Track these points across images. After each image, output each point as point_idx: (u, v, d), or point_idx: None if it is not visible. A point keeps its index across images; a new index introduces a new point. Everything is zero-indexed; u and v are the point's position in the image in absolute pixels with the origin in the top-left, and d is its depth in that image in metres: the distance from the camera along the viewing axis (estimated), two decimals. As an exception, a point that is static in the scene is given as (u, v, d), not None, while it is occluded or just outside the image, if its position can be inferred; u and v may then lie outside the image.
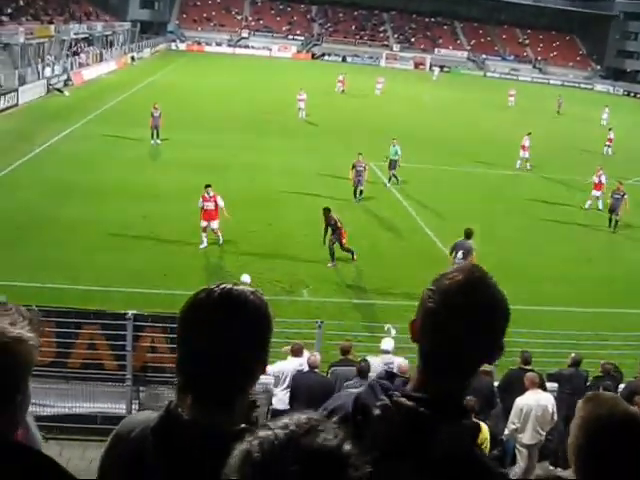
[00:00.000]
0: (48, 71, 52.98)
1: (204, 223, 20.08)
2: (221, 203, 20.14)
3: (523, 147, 35.33)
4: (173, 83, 57.01)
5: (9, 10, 59.98)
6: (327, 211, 19.88)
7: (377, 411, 1.86)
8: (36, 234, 20.01)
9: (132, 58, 76.66)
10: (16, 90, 43.54)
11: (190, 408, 1.90)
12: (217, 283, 1.98)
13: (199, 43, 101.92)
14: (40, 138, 32.78)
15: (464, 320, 1.86)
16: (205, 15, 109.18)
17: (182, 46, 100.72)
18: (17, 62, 52.25)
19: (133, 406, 11.73)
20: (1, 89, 42.41)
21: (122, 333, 11.42)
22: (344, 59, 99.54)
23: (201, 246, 20.14)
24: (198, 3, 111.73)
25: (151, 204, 23.31)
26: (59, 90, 49.82)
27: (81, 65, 61.50)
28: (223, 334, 1.87)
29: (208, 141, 34.20)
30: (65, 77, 53.72)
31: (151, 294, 16.60)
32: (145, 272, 18.05)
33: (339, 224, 19.58)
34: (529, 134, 35.30)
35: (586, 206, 28.40)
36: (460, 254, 17.91)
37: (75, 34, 68.96)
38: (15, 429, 1.58)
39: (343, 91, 60.74)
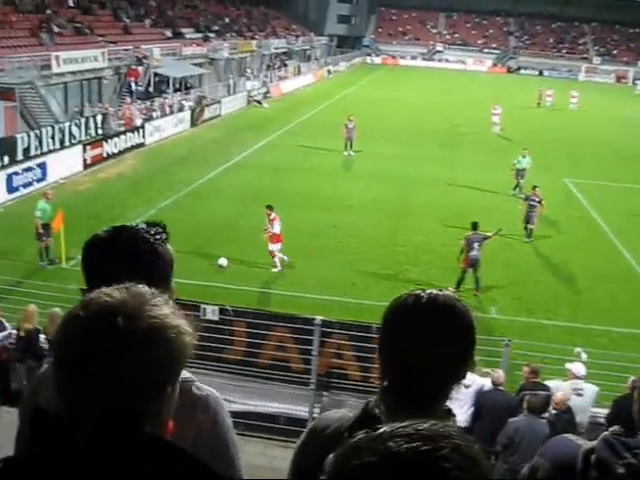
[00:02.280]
0: (249, 84, 55.43)
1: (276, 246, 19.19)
2: (276, 229, 19.00)
3: None
4: (367, 96, 57.81)
5: (216, 27, 63.66)
6: (475, 226, 18.51)
7: (621, 469, 1.72)
8: (232, 238, 20.96)
9: (328, 71, 78.60)
10: (219, 102, 46.01)
11: (388, 410, 1.92)
12: (422, 289, 2.00)
13: (394, 57, 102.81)
14: (239, 147, 34.46)
15: None
16: (400, 29, 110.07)
17: (377, 60, 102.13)
18: (221, 75, 55.13)
19: (315, 409, 11.93)
20: (206, 101, 44.89)
21: (310, 338, 11.66)
22: (540, 73, 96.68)
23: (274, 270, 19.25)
24: (394, 17, 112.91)
25: (342, 214, 23.76)
26: (258, 102, 52.00)
27: (280, 78, 63.87)
28: (430, 339, 1.89)
29: (401, 154, 34.35)
30: (264, 90, 55.99)
31: (339, 302, 16.88)
32: (334, 280, 18.38)
33: (463, 246, 18.17)
34: None
35: None
36: None
37: (275, 49, 71.79)
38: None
39: (539, 104, 59.16)
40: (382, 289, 17.87)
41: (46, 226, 18.65)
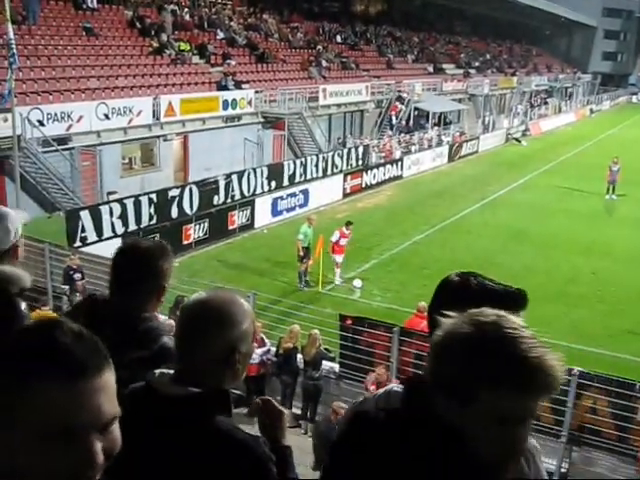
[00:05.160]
0: (507, 121, 54.78)
1: (338, 258, 19.84)
2: (343, 242, 19.90)
3: None
4: (632, 137, 54.89)
5: (476, 63, 63.84)
6: None
7: None
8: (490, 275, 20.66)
9: (591, 110, 75.83)
10: (477, 138, 45.93)
11: None
12: None
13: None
14: (496, 185, 34.22)
15: None
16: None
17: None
18: (480, 112, 54.98)
19: (563, 464, 11.44)
20: (465, 136, 45.00)
21: (565, 388, 11.22)
22: None
23: (338, 282, 19.95)
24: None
25: (601, 261, 22.66)
26: (517, 140, 51.22)
27: (540, 116, 62.49)
28: None
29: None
30: (523, 127, 55.04)
31: (594, 353, 16.08)
32: (588, 329, 17.57)
33: None
34: None
35: None
36: None
37: (536, 86, 70.49)
38: None
39: None
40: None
41: (307, 249, 19.53)
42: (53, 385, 1.23)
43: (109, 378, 1.31)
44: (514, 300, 2.21)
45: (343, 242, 19.90)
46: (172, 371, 2.20)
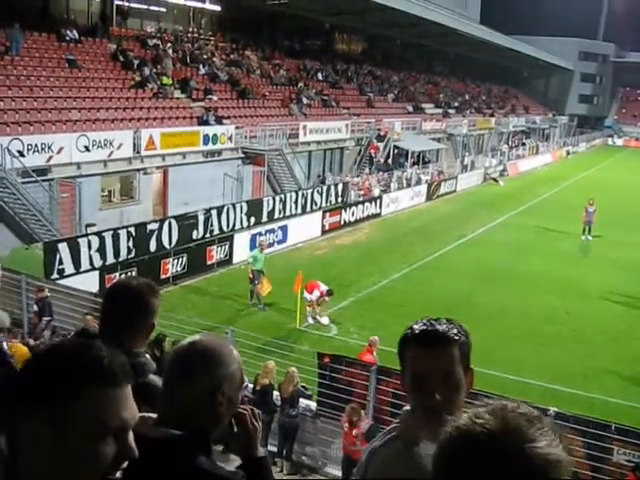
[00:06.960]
0: (486, 161, 55.36)
1: (309, 296, 19.63)
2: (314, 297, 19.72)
3: None
4: (608, 179, 55.71)
5: (455, 104, 64.66)
6: None
7: None
8: (458, 314, 20.69)
9: (567, 152, 76.78)
10: (456, 177, 46.37)
11: None
12: None
13: (637, 139, 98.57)
14: (473, 224, 34.48)
15: None
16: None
17: (619, 141, 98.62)
18: (458, 151, 55.52)
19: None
20: (443, 175, 45.40)
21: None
22: None
23: (310, 320, 19.92)
24: (639, 98, 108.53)
25: (576, 300, 22.83)
26: (495, 180, 51.75)
27: (518, 157, 63.18)
28: None
29: (643, 243, 32.49)
30: (501, 168, 55.64)
31: (568, 393, 16.14)
32: (563, 369, 17.62)
33: None
34: None
35: None
36: None
37: (514, 127, 71.34)
38: None
39: None
40: (616, 385, 16.89)
41: (259, 272, 20.73)
42: (98, 391, 1.48)
43: (130, 390, 1.56)
44: (419, 339, 2.27)
45: (313, 297, 19.77)
46: (154, 415, 2.25)
